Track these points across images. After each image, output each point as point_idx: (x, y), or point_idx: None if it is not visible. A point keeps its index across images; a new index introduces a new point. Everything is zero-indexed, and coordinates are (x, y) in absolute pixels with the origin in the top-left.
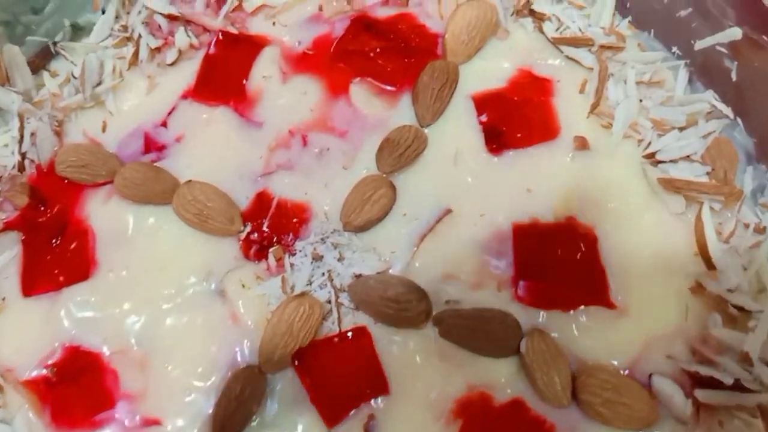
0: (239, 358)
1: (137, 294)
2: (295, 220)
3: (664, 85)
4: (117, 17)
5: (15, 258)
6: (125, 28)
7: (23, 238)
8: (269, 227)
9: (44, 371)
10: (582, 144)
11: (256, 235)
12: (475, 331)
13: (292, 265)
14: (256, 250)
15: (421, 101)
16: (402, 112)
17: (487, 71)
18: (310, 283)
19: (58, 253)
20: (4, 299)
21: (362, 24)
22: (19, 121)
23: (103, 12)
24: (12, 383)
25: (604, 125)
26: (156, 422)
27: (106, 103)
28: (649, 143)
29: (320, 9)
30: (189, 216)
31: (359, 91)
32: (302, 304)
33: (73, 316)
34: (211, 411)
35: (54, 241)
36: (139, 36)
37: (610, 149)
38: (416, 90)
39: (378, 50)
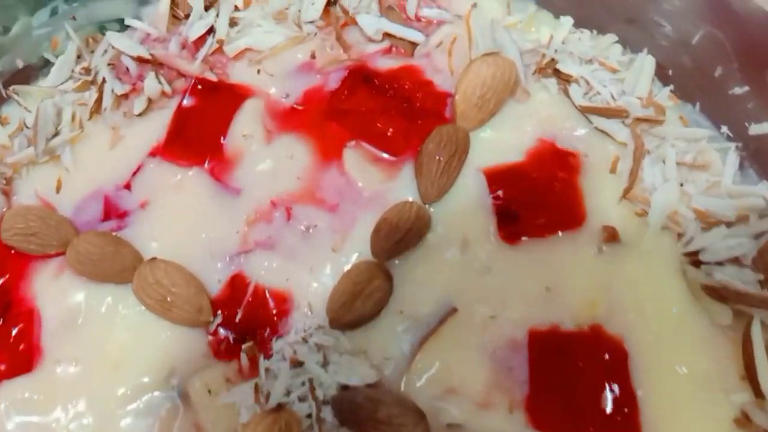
0: None
1: (87, 394)
2: (274, 311)
3: (710, 170)
4: (79, 57)
5: None
6: (88, 70)
7: None
8: (243, 319)
9: None
10: (611, 235)
11: (228, 332)
12: None
13: (267, 369)
14: (226, 346)
15: (425, 174)
16: (402, 185)
17: (503, 141)
18: (288, 394)
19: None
20: None
21: (360, 76)
22: None
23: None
24: None
25: (638, 213)
26: None
27: (62, 158)
28: (691, 239)
29: (312, 56)
30: (150, 301)
31: (354, 158)
32: (278, 421)
33: (13, 418)
34: None
35: None
36: (104, 80)
37: (644, 243)
38: (420, 160)
39: (377, 110)
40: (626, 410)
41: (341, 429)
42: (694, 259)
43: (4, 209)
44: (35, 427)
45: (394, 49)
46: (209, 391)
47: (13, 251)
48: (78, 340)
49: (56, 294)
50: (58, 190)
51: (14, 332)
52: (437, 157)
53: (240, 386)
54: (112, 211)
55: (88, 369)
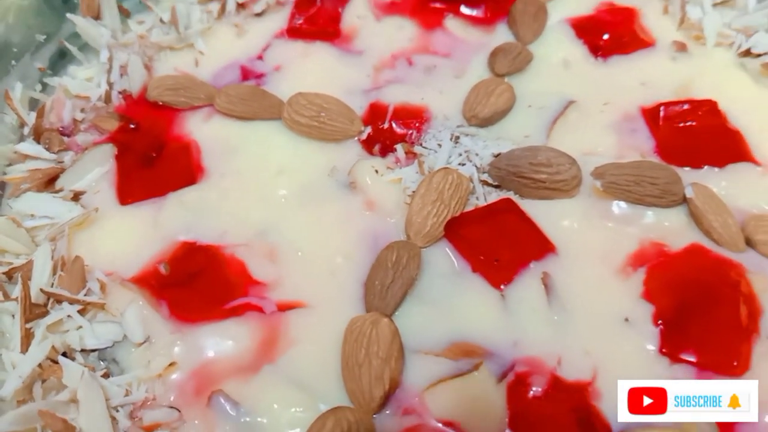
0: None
1: (255, 193)
2: (416, 123)
3: (736, 5)
4: None
5: (108, 173)
6: None
7: (116, 153)
8: (389, 128)
9: (156, 266)
10: (681, 46)
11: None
12: (639, 178)
13: (425, 148)
14: (380, 147)
15: (520, 23)
16: (500, 38)
17: (574, 3)
18: (448, 164)
19: (158, 164)
20: (97, 210)
21: None
22: (108, 52)
23: None
24: (117, 281)
25: (695, 37)
26: (298, 305)
27: (196, 44)
28: (740, 44)
29: None
30: (304, 120)
31: (455, 23)
32: (449, 173)
33: (184, 216)
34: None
35: (152, 154)
36: None
37: (707, 53)
38: (513, 15)
39: None
40: (736, 143)
41: (500, 190)
42: (749, 56)
43: (147, 80)
44: (209, 217)
45: None
46: (376, 171)
47: (160, 106)
48: (239, 160)
49: (210, 131)
50: (196, 65)
51: (173, 157)
52: (527, 11)
53: (404, 168)
54: (250, 74)
55: (252, 177)
